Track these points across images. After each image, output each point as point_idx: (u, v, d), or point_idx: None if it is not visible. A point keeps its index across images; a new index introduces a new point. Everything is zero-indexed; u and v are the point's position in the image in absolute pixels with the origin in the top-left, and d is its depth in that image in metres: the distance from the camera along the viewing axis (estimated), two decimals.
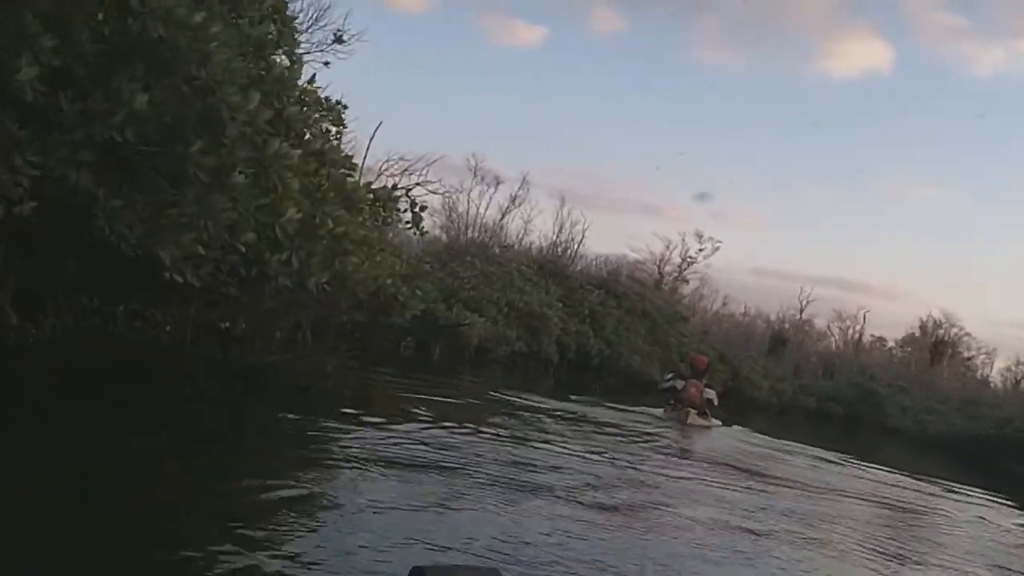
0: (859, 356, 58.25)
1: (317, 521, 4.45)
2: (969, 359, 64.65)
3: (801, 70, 75.71)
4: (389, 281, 9.94)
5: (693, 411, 15.84)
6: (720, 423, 16.81)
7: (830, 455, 16.72)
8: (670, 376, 17.59)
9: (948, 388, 53.83)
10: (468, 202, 31.77)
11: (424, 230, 9.84)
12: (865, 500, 11.20)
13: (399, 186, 10.31)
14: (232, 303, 7.73)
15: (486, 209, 31.88)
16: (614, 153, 71.03)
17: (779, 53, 75.77)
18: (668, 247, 46.56)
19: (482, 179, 31.78)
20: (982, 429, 39.61)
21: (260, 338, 9.14)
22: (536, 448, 8.78)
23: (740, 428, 18.31)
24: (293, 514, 4.49)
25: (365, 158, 26.33)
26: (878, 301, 77.90)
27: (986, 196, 75.44)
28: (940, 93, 75.03)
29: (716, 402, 17.00)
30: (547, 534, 4.69)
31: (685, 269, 49.82)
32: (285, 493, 4.89)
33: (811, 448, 17.03)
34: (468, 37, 68.48)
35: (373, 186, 9.58)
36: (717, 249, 47.12)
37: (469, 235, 30.88)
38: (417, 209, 9.84)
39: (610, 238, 73.48)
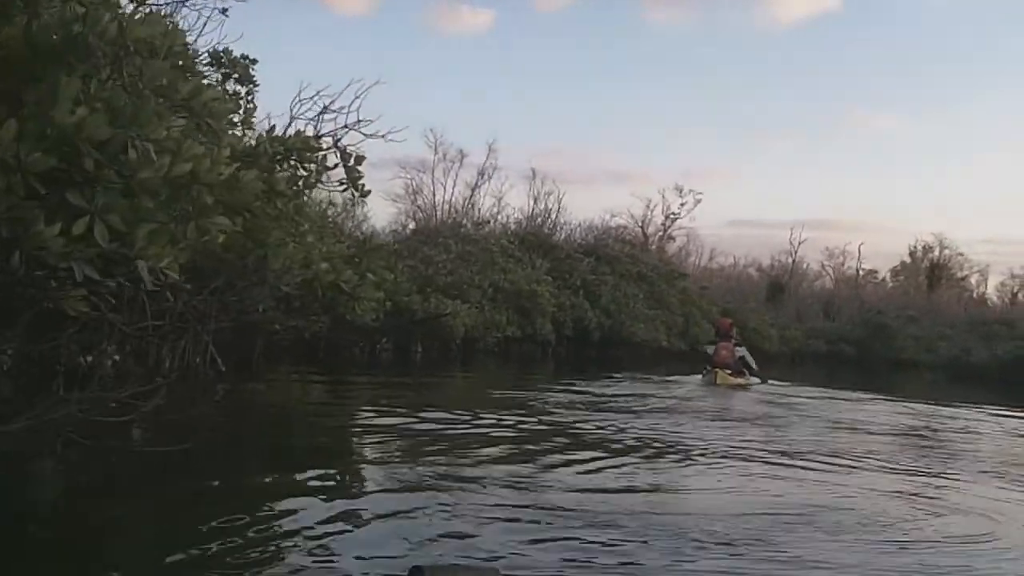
0: (858, 292, 56.36)
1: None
2: (963, 279, 63.27)
3: (753, 17, 74.62)
4: (325, 265, 7.15)
5: (724, 371, 16.01)
6: (758, 380, 16.68)
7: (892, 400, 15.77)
8: (709, 345, 17.69)
9: (951, 312, 52.05)
10: (433, 183, 28.98)
11: (364, 188, 6.98)
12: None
13: (321, 134, 7.29)
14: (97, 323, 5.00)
15: (453, 187, 29.10)
16: (577, 126, 70.02)
17: (729, 3, 74.51)
18: (649, 206, 44.19)
19: (444, 156, 28.96)
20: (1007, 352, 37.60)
21: (142, 372, 6.38)
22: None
23: (779, 382, 17.54)
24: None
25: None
26: (861, 235, 76.67)
27: (953, 118, 75.16)
28: (892, 20, 74.34)
29: (749, 359, 16.96)
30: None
31: (670, 226, 47.57)
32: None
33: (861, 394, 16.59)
34: (414, 32, 66.92)
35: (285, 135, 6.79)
36: (699, 201, 44.78)
37: (439, 218, 28.07)
38: (352, 162, 7.03)
39: (586, 210, 72.15)
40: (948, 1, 71.56)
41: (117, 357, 6.21)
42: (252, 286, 6.65)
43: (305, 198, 7.74)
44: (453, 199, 28.84)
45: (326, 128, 7.55)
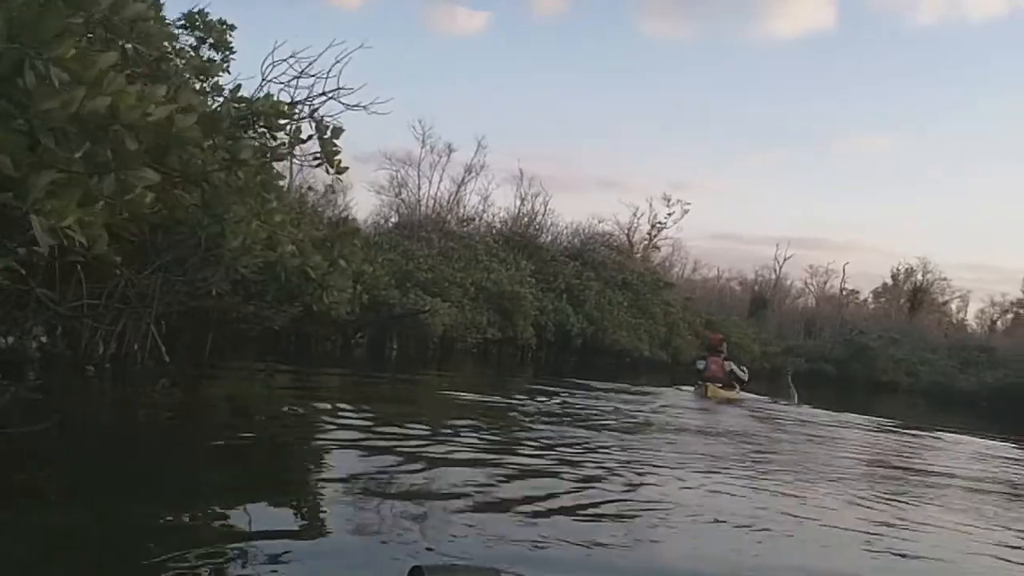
0: (840, 312, 56.09)
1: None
2: (944, 304, 63.24)
3: (748, 33, 74.70)
4: (291, 248, 6.37)
5: (715, 385, 16.29)
6: (747, 394, 16.91)
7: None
8: (700, 360, 17.73)
9: (932, 336, 51.86)
10: (418, 176, 28.15)
11: (340, 164, 6.21)
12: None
13: (295, 101, 6.48)
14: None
15: (439, 182, 28.30)
16: (567, 131, 69.87)
17: (724, 18, 74.52)
18: (636, 214, 43.64)
19: (431, 149, 28.15)
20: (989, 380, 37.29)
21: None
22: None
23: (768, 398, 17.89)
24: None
25: None
26: (845, 255, 76.79)
27: (941, 141, 75.44)
28: (885, 41, 74.60)
29: (738, 371, 16.95)
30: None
31: (656, 235, 47.00)
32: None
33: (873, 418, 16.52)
34: (409, 30, 66.50)
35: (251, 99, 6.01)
36: (687, 212, 44.21)
37: (423, 212, 27.25)
38: (328, 134, 6.27)
39: (573, 215, 71.56)
40: (940, 24, 72.01)
41: (45, 339, 5.42)
42: (204, 265, 5.85)
43: (279, 175, 6.95)
44: (438, 194, 28.04)
45: (303, 96, 6.75)
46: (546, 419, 9.39)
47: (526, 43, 71.03)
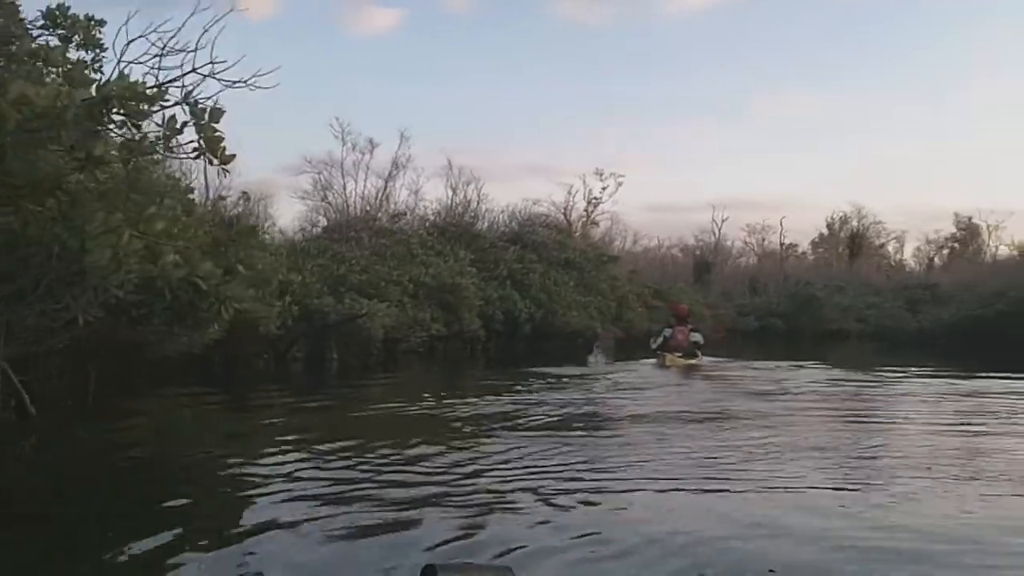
0: (782, 266, 56.33)
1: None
2: (882, 247, 63.94)
3: (659, 7, 74.79)
4: (173, 258, 5.33)
5: (674, 355, 16.85)
6: (707, 359, 17.68)
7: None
8: (667, 328, 18.20)
9: (874, 280, 52.31)
10: (343, 176, 26.95)
11: (225, 153, 5.17)
12: None
13: (162, 83, 5.39)
14: None
15: (365, 180, 27.14)
16: (494, 123, 69.30)
17: None
18: (570, 192, 42.89)
19: (353, 147, 26.95)
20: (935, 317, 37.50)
21: None
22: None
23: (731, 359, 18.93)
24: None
25: None
26: (781, 212, 77.36)
27: (857, 92, 76.59)
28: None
29: (702, 342, 17.86)
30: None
31: (593, 211, 46.36)
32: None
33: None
34: (322, 32, 65.05)
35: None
36: (621, 184, 43.63)
37: (351, 213, 26.08)
38: (206, 119, 5.25)
39: (507, 202, 70.66)
40: None
41: None
42: (64, 287, 4.80)
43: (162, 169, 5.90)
44: (366, 192, 26.89)
45: (172, 77, 5.68)
46: (500, 425, 8.56)
47: (441, 36, 70.28)
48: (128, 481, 5.62)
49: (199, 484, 5.60)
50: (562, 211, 43.12)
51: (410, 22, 68.98)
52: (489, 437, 7.54)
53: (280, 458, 6.08)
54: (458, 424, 8.42)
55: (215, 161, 5.60)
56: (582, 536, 4.19)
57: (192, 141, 5.44)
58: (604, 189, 43.23)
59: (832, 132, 77.94)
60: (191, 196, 13.12)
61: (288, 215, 45.60)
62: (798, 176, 78.72)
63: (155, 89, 5.20)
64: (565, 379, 14.09)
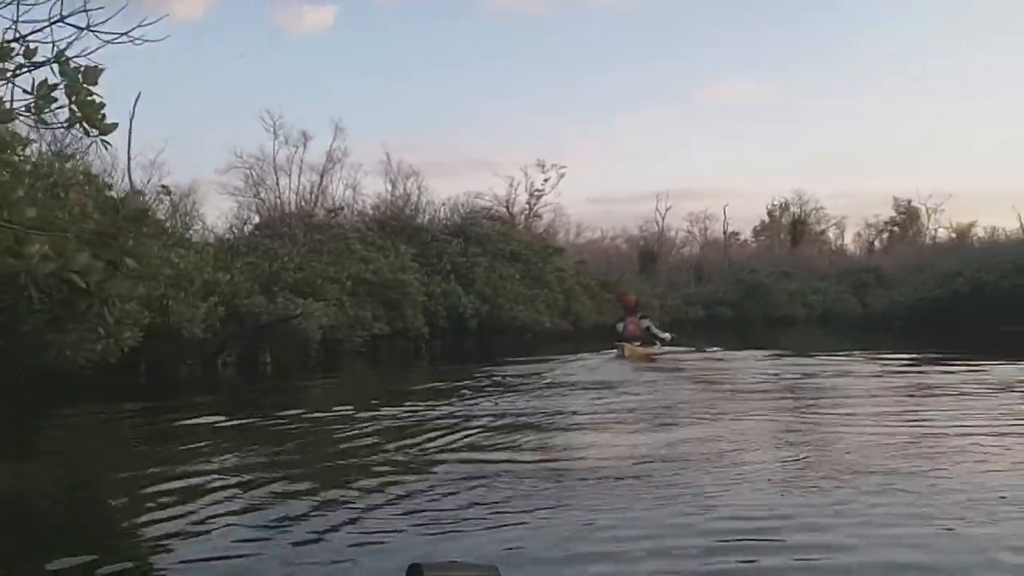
0: (727, 254, 56.40)
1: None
2: (823, 233, 64.50)
3: None
4: (38, 247, 4.33)
5: (633, 345, 16.84)
6: (667, 346, 17.61)
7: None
8: (619, 323, 18.23)
9: (817, 265, 52.63)
10: (275, 171, 25.72)
11: (104, 121, 4.15)
12: None
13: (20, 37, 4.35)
14: None
15: (299, 174, 25.94)
16: (433, 118, 68.18)
17: None
18: (512, 185, 42.04)
19: (286, 140, 25.74)
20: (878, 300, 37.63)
21: None
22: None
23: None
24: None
25: (130, 138, 19.88)
26: (723, 200, 77.89)
27: (796, 81, 77.37)
28: None
29: (655, 327, 17.87)
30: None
31: (535, 203, 45.55)
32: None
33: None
34: (255, 33, 63.38)
35: None
36: (563, 175, 42.81)
37: (286, 210, 24.88)
38: (81, 80, 4.24)
39: (447, 196, 69.73)
40: None
41: None
42: None
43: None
44: (300, 188, 25.71)
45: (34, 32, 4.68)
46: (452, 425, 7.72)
47: (375, 33, 69.06)
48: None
49: (102, 541, 4.59)
50: (504, 205, 42.32)
51: (343, 20, 67.64)
52: (439, 440, 6.92)
53: (209, 497, 5.06)
54: (402, 430, 7.57)
55: (92, 132, 4.63)
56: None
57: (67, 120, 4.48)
58: (546, 181, 42.48)
59: (772, 121, 78.73)
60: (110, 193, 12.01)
61: (219, 214, 44.06)
62: (739, 165, 79.46)
63: (8, 44, 4.21)
64: (514, 376, 13.30)
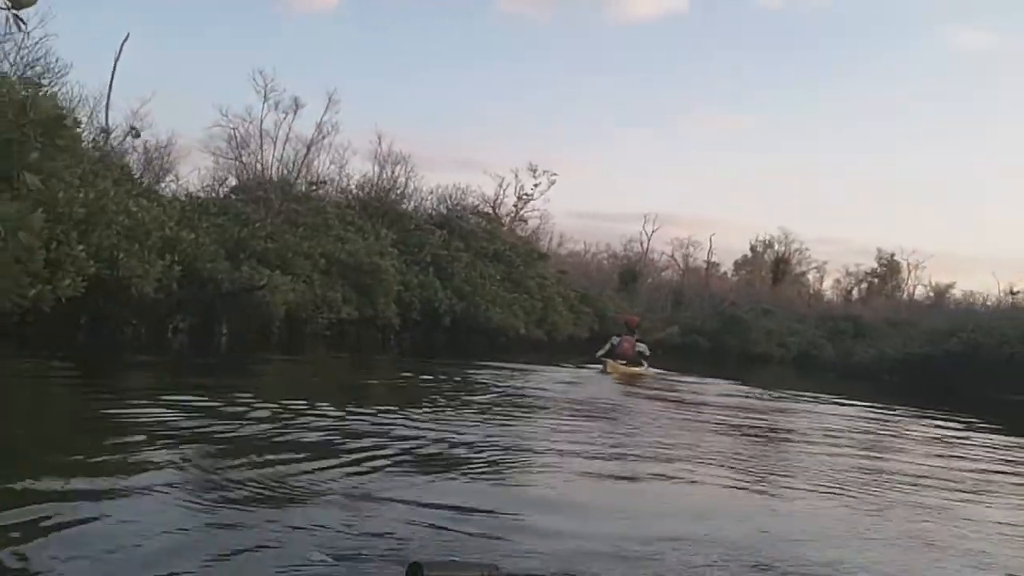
0: (708, 284, 55.75)
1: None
2: (803, 275, 64.10)
3: (603, 12, 74.02)
4: None
5: (618, 362, 16.79)
6: (653, 370, 17.74)
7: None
8: (615, 337, 18.15)
9: (796, 306, 52.13)
10: (261, 136, 24.39)
11: None
12: None
13: None
14: None
15: (285, 142, 24.62)
16: (427, 112, 66.94)
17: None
18: (501, 186, 40.84)
19: (276, 105, 24.42)
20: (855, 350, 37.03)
21: None
22: None
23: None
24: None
25: (112, 78, 18.64)
26: (708, 230, 77.18)
27: (790, 119, 77.12)
28: (735, 25, 75.74)
29: (648, 353, 17.87)
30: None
31: (522, 208, 44.44)
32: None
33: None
34: (257, 8, 62.01)
35: None
36: (553, 183, 41.69)
37: (267, 176, 23.57)
38: None
39: (436, 184, 68.60)
40: (785, 4, 73.33)
41: None
42: None
43: None
44: (284, 156, 24.38)
45: None
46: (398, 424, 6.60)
47: (383, 21, 67.66)
48: None
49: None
50: (491, 205, 41.19)
51: (349, 4, 66.38)
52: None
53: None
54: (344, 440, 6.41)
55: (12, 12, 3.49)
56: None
57: None
58: (536, 186, 41.33)
59: (763, 158, 78.26)
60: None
61: (196, 171, 42.42)
62: (726, 198, 78.73)
63: None
64: (486, 384, 12.22)
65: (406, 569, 1.87)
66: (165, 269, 12.28)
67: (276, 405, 7.24)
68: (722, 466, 6.92)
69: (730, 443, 8.75)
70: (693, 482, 6.14)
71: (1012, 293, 45.86)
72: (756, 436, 9.79)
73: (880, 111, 77.21)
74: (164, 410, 6.49)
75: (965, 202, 75.51)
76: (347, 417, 7.24)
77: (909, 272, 59.27)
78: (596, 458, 6.64)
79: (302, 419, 6.74)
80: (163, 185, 20.12)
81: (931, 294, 56.96)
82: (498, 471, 5.79)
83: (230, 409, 6.83)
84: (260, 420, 6.51)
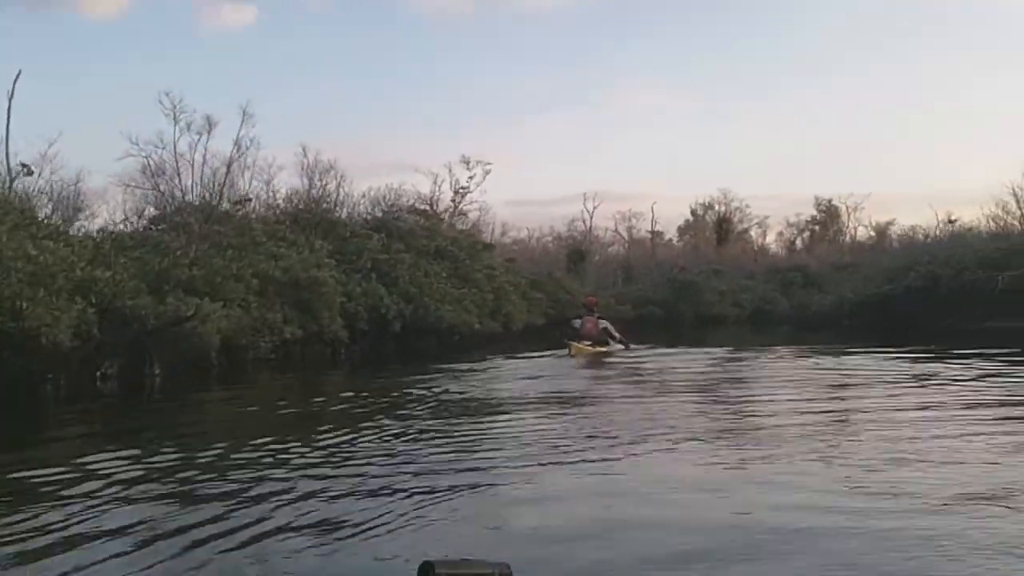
0: (654, 253, 55.63)
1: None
2: (746, 231, 64.44)
3: (515, 3, 73.59)
4: None
5: (579, 344, 16.94)
6: (621, 346, 17.87)
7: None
8: (576, 319, 18.46)
9: (744, 264, 52.23)
10: (176, 160, 23.16)
11: None
12: None
13: None
14: None
15: (203, 163, 23.42)
16: (355, 119, 66.26)
17: None
18: (436, 182, 39.97)
19: (188, 126, 23.19)
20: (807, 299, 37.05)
21: None
22: None
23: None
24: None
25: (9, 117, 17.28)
26: (647, 201, 77.42)
27: (711, 82, 77.67)
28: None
29: (612, 329, 18.01)
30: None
31: (460, 201, 43.62)
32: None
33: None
34: (174, 31, 60.57)
35: None
36: (488, 172, 41.02)
37: (188, 200, 22.39)
38: None
39: (367, 187, 67.47)
40: None
41: None
42: None
43: None
44: (204, 178, 23.18)
45: None
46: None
47: (298, 33, 66.73)
48: None
49: None
50: (428, 203, 40.28)
51: (266, 19, 65.05)
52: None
53: None
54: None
55: None
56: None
57: None
58: (471, 178, 40.59)
59: (694, 123, 78.69)
60: None
61: (114, 207, 40.78)
62: (663, 167, 78.96)
63: None
64: (437, 387, 11.58)
65: (418, 568, 1.89)
66: (80, 313, 11.25)
67: (178, 457, 6.44)
68: (693, 440, 6.98)
69: (699, 417, 8.71)
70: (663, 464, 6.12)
71: (951, 222, 46.59)
72: (724, 404, 9.90)
73: (797, 60, 78.12)
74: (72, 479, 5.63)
75: (893, 140, 77.01)
76: (267, 461, 6.45)
77: (848, 215, 60.00)
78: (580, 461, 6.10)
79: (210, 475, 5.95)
80: (77, 224, 18.97)
81: (872, 233, 57.78)
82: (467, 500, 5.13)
83: (127, 473, 6.00)
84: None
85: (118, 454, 6.61)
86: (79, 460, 6.39)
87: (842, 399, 10.25)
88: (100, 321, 12.31)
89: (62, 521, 4.56)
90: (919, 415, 8.17)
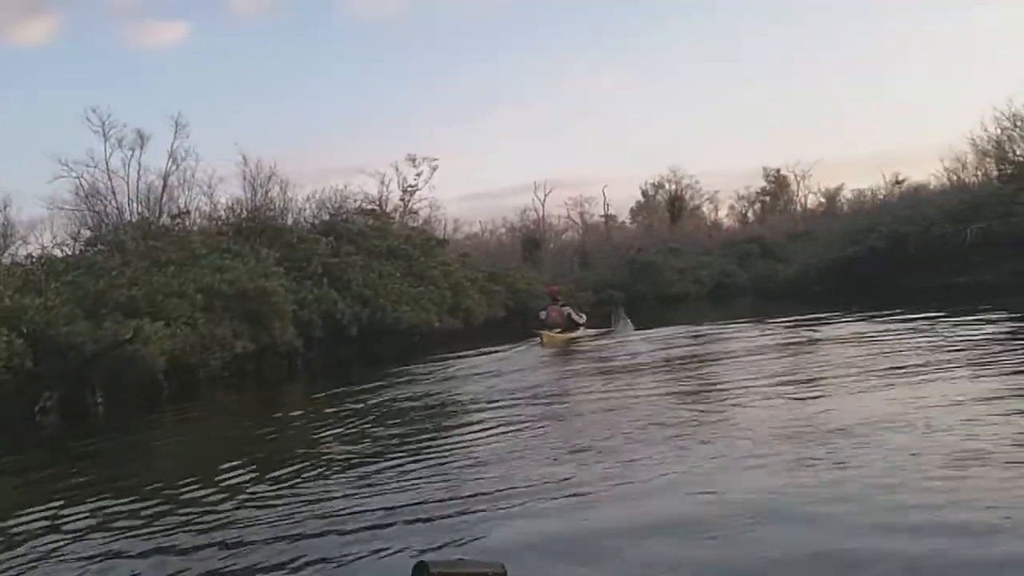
0: (609, 236, 55.42)
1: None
2: (697, 208, 64.51)
3: None
4: None
5: (552, 332, 17.25)
6: (590, 331, 18.47)
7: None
8: (542, 311, 18.65)
9: (699, 240, 52.24)
10: (109, 178, 22.26)
11: None
12: None
13: None
14: None
15: (138, 180, 22.56)
16: (298, 127, 65.08)
17: None
18: (384, 182, 39.26)
19: (119, 142, 22.29)
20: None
21: None
22: None
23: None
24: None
25: None
26: (597, 188, 77.28)
27: (646, 64, 77.83)
28: None
29: (577, 314, 18.35)
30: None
31: (409, 200, 42.94)
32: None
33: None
34: (107, 53, 58.88)
35: None
36: (435, 168, 40.44)
37: (126, 219, 21.52)
38: None
39: (312, 190, 66.48)
40: None
41: None
42: None
43: None
44: (140, 194, 22.32)
45: None
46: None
47: (232, 45, 65.14)
48: None
49: None
50: (376, 204, 39.53)
51: (199, 32, 63.51)
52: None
53: None
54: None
55: None
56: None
57: None
58: (419, 175, 39.94)
59: (634, 106, 78.85)
60: None
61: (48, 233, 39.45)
62: (610, 151, 78.95)
63: None
64: (405, 386, 11.04)
65: (412, 568, 1.88)
66: (8, 344, 10.50)
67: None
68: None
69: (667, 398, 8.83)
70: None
71: (898, 182, 47.06)
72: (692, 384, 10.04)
73: (733, 33, 78.51)
74: None
75: (839, 105, 77.75)
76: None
77: (798, 184, 60.30)
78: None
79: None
80: (8, 253, 18.06)
81: (823, 200, 58.23)
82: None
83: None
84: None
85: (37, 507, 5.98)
86: None
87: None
88: (33, 351, 11.57)
89: None
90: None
